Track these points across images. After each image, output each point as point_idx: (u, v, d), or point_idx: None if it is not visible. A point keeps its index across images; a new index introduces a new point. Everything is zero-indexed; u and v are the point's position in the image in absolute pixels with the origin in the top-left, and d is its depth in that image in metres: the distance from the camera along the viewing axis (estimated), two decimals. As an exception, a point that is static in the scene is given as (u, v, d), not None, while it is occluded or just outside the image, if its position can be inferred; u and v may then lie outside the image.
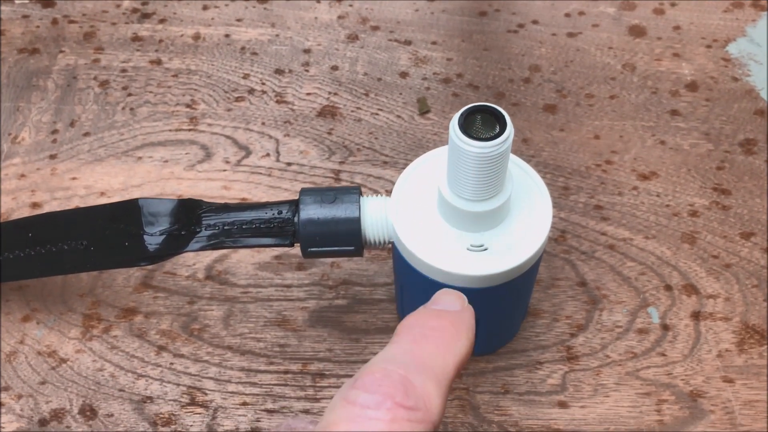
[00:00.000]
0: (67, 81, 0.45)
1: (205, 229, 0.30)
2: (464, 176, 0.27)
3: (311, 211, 0.29)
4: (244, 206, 0.30)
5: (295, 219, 0.29)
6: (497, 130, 0.26)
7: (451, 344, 0.21)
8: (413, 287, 0.31)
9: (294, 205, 0.30)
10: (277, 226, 0.30)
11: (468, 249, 0.28)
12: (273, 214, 0.30)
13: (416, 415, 0.18)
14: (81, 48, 0.47)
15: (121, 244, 0.31)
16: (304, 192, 0.30)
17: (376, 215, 0.29)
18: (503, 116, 0.26)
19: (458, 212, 0.28)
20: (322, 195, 0.29)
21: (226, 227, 0.30)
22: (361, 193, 0.30)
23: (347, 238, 0.29)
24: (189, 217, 0.30)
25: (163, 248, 0.30)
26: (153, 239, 0.30)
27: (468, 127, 0.26)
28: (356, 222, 0.29)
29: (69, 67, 0.46)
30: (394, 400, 0.18)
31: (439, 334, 0.21)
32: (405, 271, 0.30)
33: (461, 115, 0.26)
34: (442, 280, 0.28)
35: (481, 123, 0.26)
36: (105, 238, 0.31)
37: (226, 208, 0.30)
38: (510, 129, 0.26)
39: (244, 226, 0.30)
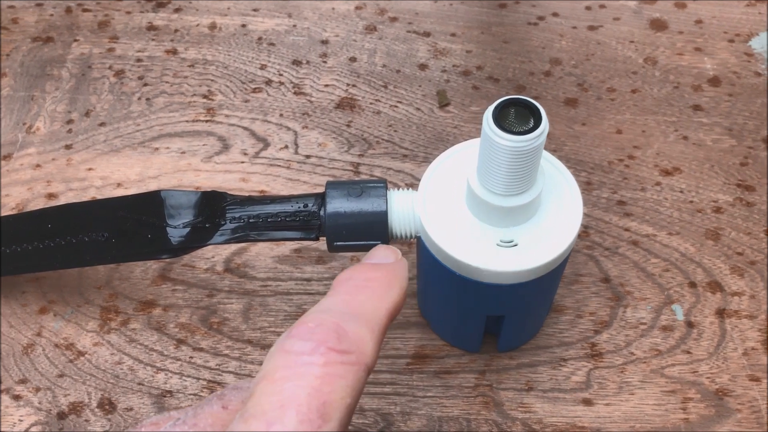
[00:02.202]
0: (81, 70, 0.45)
1: (230, 222, 0.29)
2: (496, 170, 0.26)
3: (338, 205, 0.29)
4: (269, 199, 0.30)
5: (321, 212, 0.29)
6: (531, 124, 0.25)
7: (384, 293, 0.23)
8: (439, 282, 0.30)
9: (320, 198, 0.29)
10: (303, 219, 0.29)
11: (498, 245, 0.28)
12: (298, 207, 0.29)
13: (349, 357, 0.20)
14: (95, 37, 0.46)
15: (143, 236, 0.30)
16: (330, 185, 0.29)
17: (403, 209, 0.29)
18: (538, 110, 0.25)
19: (488, 207, 0.27)
20: (349, 188, 0.29)
21: (251, 220, 0.29)
22: (387, 187, 0.29)
23: (374, 231, 0.29)
24: (213, 210, 0.30)
25: (187, 241, 0.30)
26: (176, 231, 0.30)
27: (501, 120, 0.25)
28: (383, 216, 0.29)
29: (83, 56, 0.45)
30: (327, 345, 0.19)
31: (373, 284, 0.23)
32: (431, 266, 0.29)
33: (495, 107, 0.25)
34: (471, 275, 0.28)
35: (515, 116, 0.26)
36: (126, 231, 0.31)
37: (250, 200, 0.30)
38: (545, 123, 0.25)
39: (269, 219, 0.29)
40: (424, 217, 0.29)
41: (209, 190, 0.31)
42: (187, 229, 0.30)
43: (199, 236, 0.30)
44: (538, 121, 0.25)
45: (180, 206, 0.30)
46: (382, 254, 0.25)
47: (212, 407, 0.21)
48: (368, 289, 0.23)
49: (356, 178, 0.40)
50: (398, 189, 0.30)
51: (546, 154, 0.30)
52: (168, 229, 0.30)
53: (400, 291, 0.23)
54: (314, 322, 0.20)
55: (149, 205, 0.31)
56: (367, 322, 0.21)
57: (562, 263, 0.29)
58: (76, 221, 0.32)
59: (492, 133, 0.25)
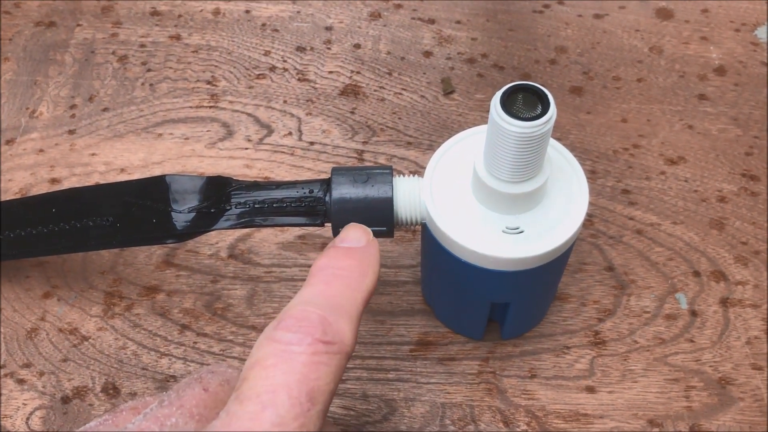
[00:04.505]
0: (84, 55, 0.45)
1: (235, 207, 0.29)
2: (503, 156, 0.26)
3: (344, 191, 0.29)
4: (275, 184, 0.30)
5: (327, 198, 0.29)
6: (539, 110, 0.25)
7: (359, 282, 0.24)
8: (444, 269, 0.30)
9: (326, 184, 0.29)
10: (308, 205, 0.29)
11: (503, 231, 0.28)
12: (304, 193, 0.29)
13: (333, 348, 0.21)
14: (99, 22, 0.46)
15: (149, 221, 0.30)
16: (335, 171, 0.29)
17: (409, 195, 0.29)
18: (546, 96, 0.25)
19: (495, 193, 0.27)
20: (355, 174, 0.29)
21: (256, 205, 0.29)
22: (393, 173, 0.29)
23: (379, 218, 0.29)
24: (218, 195, 0.30)
25: (192, 226, 0.30)
26: (181, 216, 0.30)
27: (509, 105, 0.25)
28: (389, 202, 0.29)
29: (87, 41, 0.45)
30: (314, 337, 0.21)
31: (348, 273, 0.24)
32: (436, 253, 0.29)
33: (503, 93, 0.25)
34: (476, 262, 0.28)
35: (523, 102, 0.26)
36: (131, 215, 0.31)
37: (256, 186, 0.30)
38: (553, 110, 0.25)
39: (274, 205, 0.29)
40: (430, 203, 0.29)
41: (214, 175, 0.31)
42: (193, 214, 0.30)
43: (204, 221, 0.30)
44: (546, 108, 0.25)
45: (185, 191, 0.30)
46: (353, 236, 0.26)
47: (194, 390, 0.23)
48: (344, 279, 0.24)
49: (359, 165, 0.40)
50: (404, 175, 0.30)
51: (553, 141, 0.29)
52: (173, 214, 0.30)
53: (373, 277, 0.25)
54: (300, 314, 0.22)
55: (154, 190, 0.30)
56: (346, 312, 0.23)
57: (568, 251, 0.29)
58: (81, 206, 0.32)
59: (500, 119, 0.25)
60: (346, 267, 0.25)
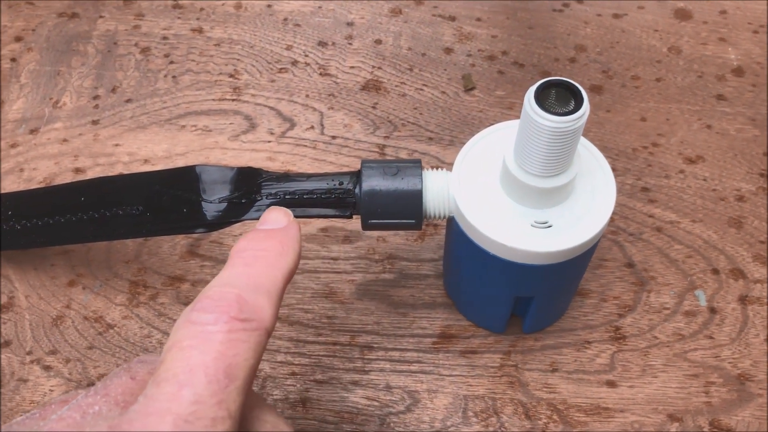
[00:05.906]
0: (107, 46, 0.45)
1: (266, 198, 0.30)
2: (535, 151, 0.26)
3: (373, 183, 0.29)
4: (305, 176, 0.30)
5: (357, 190, 0.29)
6: (572, 105, 0.26)
7: (279, 261, 0.24)
8: (471, 263, 0.31)
9: (355, 176, 0.30)
10: (338, 196, 0.29)
11: (532, 225, 0.28)
12: (334, 185, 0.30)
13: (250, 324, 0.21)
14: (121, 14, 0.46)
15: (179, 210, 0.31)
16: (365, 163, 0.29)
17: (438, 189, 0.29)
18: (579, 91, 0.26)
19: (525, 187, 0.28)
20: (385, 167, 0.29)
21: (287, 196, 0.30)
22: (422, 167, 0.30)
23: (409, 210, 0.29)
24: (249, 185, 0.30)
25: (223, 216, 0.30)
26: (212, 206, 0.30)
27: (542, 100, 0.26)
28: (419, 195, 0.29)
29: (109, 32, 0.46)
30: (229, 315, 0.21)
31: (268, 254, 0.24)
32: (463, 246, 0.30)
33: (537, 87, 0.26)
34: (505, 255, 0.28)
35: (555, 97, 0.26)
36: (162, 204, 0.31)
37: (286, 177, 0.30)
38: (586, 105, 0.25)
39: (305, 196, 0.30)
40: (459, 197, 0.29)
41: (245, 166, 0.31)
42: (224, 204, 0.30)
43: (235, 211, 0.30)
44: (579, 103, 0.25)
45: (215, 182, 0.30)
46: (274, 218, 0.26)
47: (121, 378, 0.23)
48: (264, 259, 0.24)
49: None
50: (433, 169, 0.30)
51: (581, 138, 0.30)
52: (204, 203, 0.30)
53: (293, 255, 0.25)
54: (216, 294, 0.22)
55: (184, 180, 0.31)
56: (265, 290, 0.23)
57: (594, 245, 0.30)
58: (110, 195, 0.32)
59: (533, 113, 0.25)
60: (265, 248, 0.24)
